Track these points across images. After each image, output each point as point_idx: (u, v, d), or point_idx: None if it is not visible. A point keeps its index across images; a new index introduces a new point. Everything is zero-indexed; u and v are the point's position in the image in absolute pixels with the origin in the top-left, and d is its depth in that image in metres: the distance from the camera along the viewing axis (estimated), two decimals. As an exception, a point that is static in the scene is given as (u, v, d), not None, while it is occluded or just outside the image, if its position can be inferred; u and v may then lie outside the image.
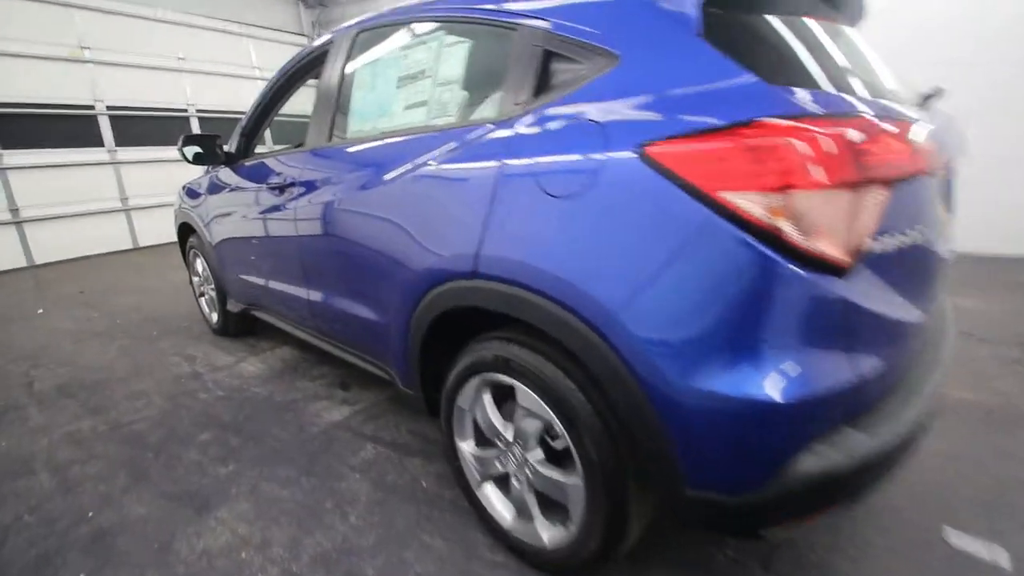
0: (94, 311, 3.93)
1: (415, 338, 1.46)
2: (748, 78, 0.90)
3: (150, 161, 6.44)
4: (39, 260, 5.67)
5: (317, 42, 2.02)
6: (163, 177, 6.49)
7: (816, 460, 0.91)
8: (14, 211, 5.43)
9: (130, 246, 6.47)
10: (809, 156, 0.82)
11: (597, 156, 0.99)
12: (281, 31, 8.15)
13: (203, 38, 6.96)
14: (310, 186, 1.83)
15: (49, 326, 3.61)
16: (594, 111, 1.03)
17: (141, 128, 6.36)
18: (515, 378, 1.20)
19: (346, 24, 1.86)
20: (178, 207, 3.19)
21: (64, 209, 5.77)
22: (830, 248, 0.85)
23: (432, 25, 1.49)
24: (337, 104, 1.82)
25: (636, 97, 0.98)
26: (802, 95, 0.91)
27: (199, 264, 3.15)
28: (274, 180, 2.06)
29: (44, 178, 5.59)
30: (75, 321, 3.70)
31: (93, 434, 2.08)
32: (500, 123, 1.20)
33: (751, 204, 0.84)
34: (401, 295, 1.47)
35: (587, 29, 1.11)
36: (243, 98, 7.54)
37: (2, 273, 5.44)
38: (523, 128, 1.15)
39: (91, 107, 5.90)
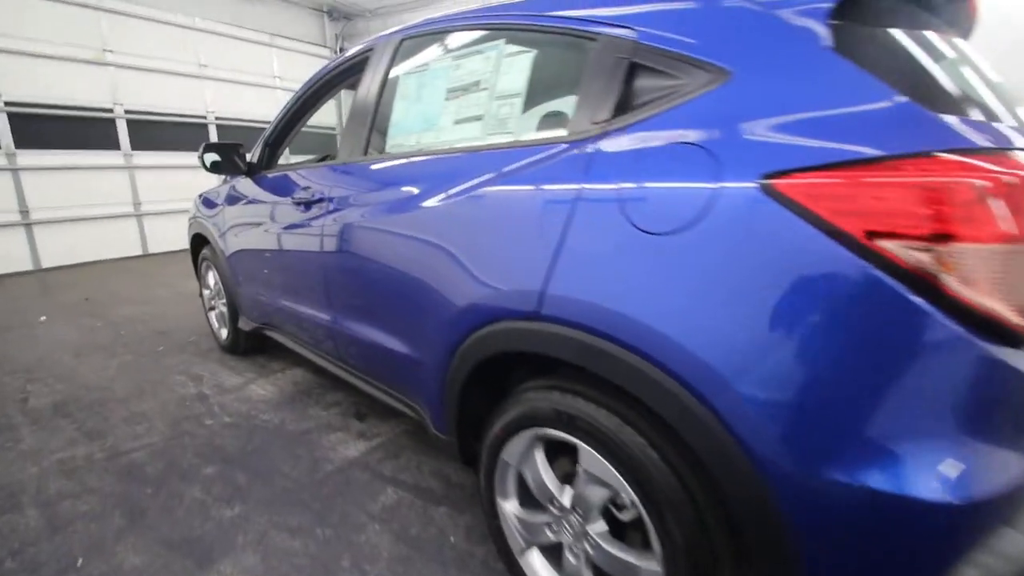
0: (98, 321, 3.78)
1: (455, 379, 1.29)
2: (900, 101, 0.75)
3: (165, 167, 6.36)
4: (46, 264, 5.56)
5: (355, 49, 1.90)
6: (177, 183, 6.41)
7: (975, 573, 0.73)
8: (24, 212, 5.33)
9: (140, 252, 6.35)
10: (996, 201, 0.66)
11: (705, 187, 0.83)
12: (305, 42, 8.14)
13: (226, 46, 6.94)
14: (341, 202, 1.68)
15: (50, 336, 3.45)
16: (699, 134, 0.87)
17: (158, 133, 6.29)
18: (580, 438, 1.03)
19: (389, 31, 1.73)
20: (193, 216, 3.05)
21: (75, 212, 5.67)
22: (1011, 312, 0.69)
23: (491, 33, 1.35)
24: (375, 116, 1.68)
25: (755, 119, 0.82)
26: (963, 124, 0.76)
27: (211, 277, 3.00)
28: (300, 194, 1.92)
29: (56, 180, 5.51)
30: (78, 331, 3.54)
31: (88, 463, 1.91)
32: (575, 143, 1.05)
33: (916, 255, 0.67)
34: (441, 330, 1.31)
35: (684, 39, 0.96)
36: (263, 107, 7.51)
37: (8, 276, 5.32)
38: (606, 150, 0.99)
39: (110, 110, 5.84)
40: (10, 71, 5.08)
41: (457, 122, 1.38)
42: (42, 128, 5.33)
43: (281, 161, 2.50)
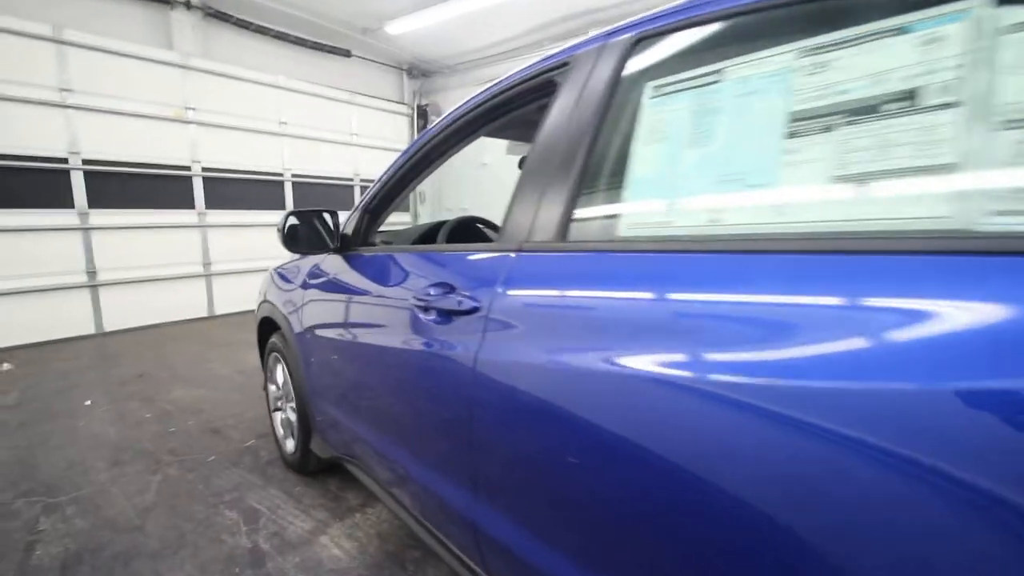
0: (147, 409, 3.21)
1: None
2: None
3: (238, 225, 6.05)
4: (108, 327, 5.21)
5: (521, 71, 1.23)
6: (248, 242, 6.08)
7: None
8: (91, 274, 5.04)
9: (205, 314, 5.97)
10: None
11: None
12: (383, 99, 7.96)
13: (306, 103, 6.75)
14: (519, 319, 0.96)
15: (90, 431, 2.88)
16: None
17: (233, 190, 6.04)
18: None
19: (603, 31, 1.04)
20: (263, 295, 2.43)
21: (143, 273, 5.36)
22: None
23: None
24: (586, 169, 0.97)
25: None
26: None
27: (280, 373, 2.34)
28: (430, 295, 1.21)
29: (127, 239, 5.23)
30: (123, 424, 2.97)
31: None
32: None
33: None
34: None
35: None
36: (339, 164, 7.24)
37: (68, 340, 4.98)
38: None
39: (187, 168, 5.61)
40: (90, 129, 4.90)
41: (846, 178, 0.63)
42: (117, 186, 5.10)
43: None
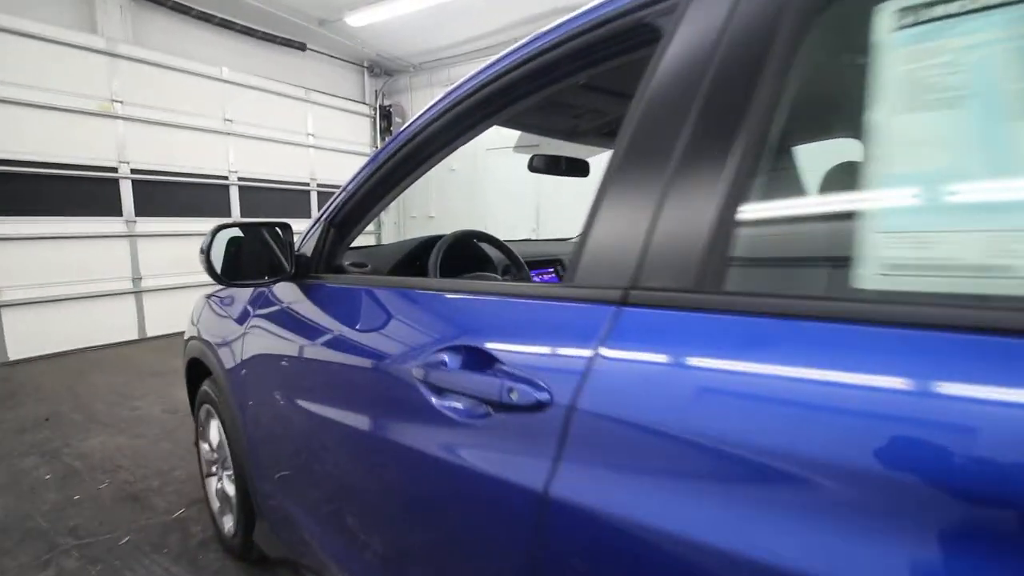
0: (49, 466, 2.57)
1: None
2: None
3: (175, 235, 5.35)
4: (13, 355, 4.42)
5: (577, 19, 0.78)
6: (186, 255, 5.36)
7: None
8: (-9, 293, 4.26)
9: (135, 336, 5.23)
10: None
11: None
12: (342, 98, 7.36)
13: (254, 99, 6.11)
14: (645, 431, 0.52)
15: (-36, 502, 2.25)
16: None
17: (169, 195, 5.33)
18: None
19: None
20: (193, 328, 1.90)
21: (58, 290, 4.59)
22: None
23: None
24: (751, 163, 0.54)
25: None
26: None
27: (214, 431, 1.81)
28: (445, 364, 0.75)
29: (38, 251, 4.46)
30: (11, 492, 2.33)
31: None
32: None
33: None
34: None
35: None
36: (293, 168, 6.60)
37: (-37, 371, 4.19)
38: None
39: (114, 169, 4.89)
40: (-3, 124, 4.17)
41: None
42: (24, 190, 4.34)
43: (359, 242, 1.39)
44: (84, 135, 4.66)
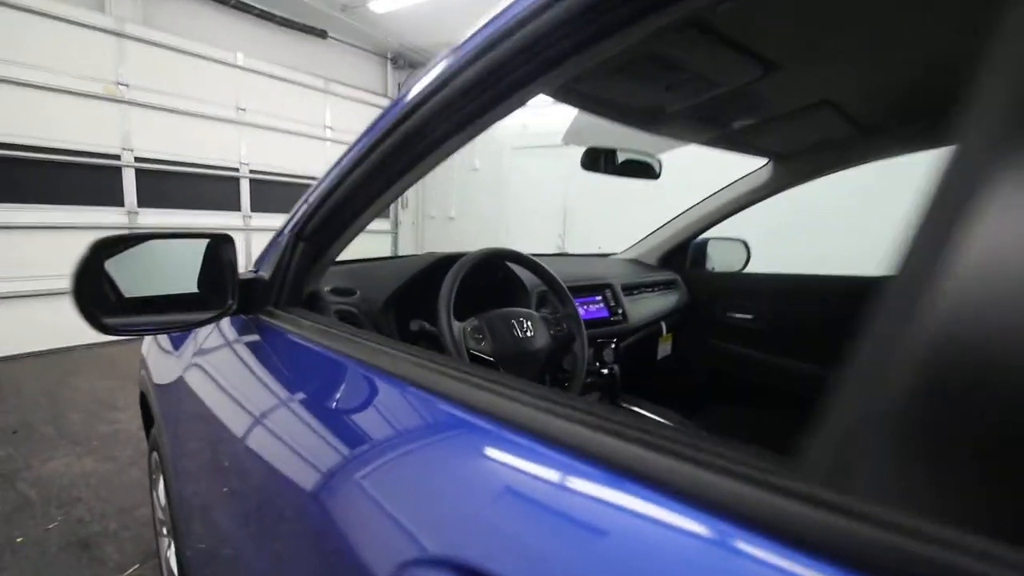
0: (2, 492, 2.23)
1: None
2: None
3: (178, 228, 5.04)
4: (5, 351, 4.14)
5: None
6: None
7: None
8: (-21, 284, 3.98)
9: (134, 334, 4.92)
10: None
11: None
12: (363, 90, 7.02)
13: (270, 88, 5.79)
14: None
15: None
16: None
17: (175, 186, 5.02)
18: None
19: None
20: (144, 350, 1.51)
21: (47, 284, 4.28)
22: None
23: None
24: None
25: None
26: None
27: (161, 486, 1.42)
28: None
29: (26, 241, 4.15)
30: (-59, 529, 1.98)
31: None
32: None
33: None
34: None
35: None
36: (308, 162, 6.26)
37: (-55, 367, 3.91)
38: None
39: (116, 156, 4.59)
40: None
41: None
42: (15, 174, 4.05)
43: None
44: (85, 119, 4.36)
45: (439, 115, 0.66)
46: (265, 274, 0.93)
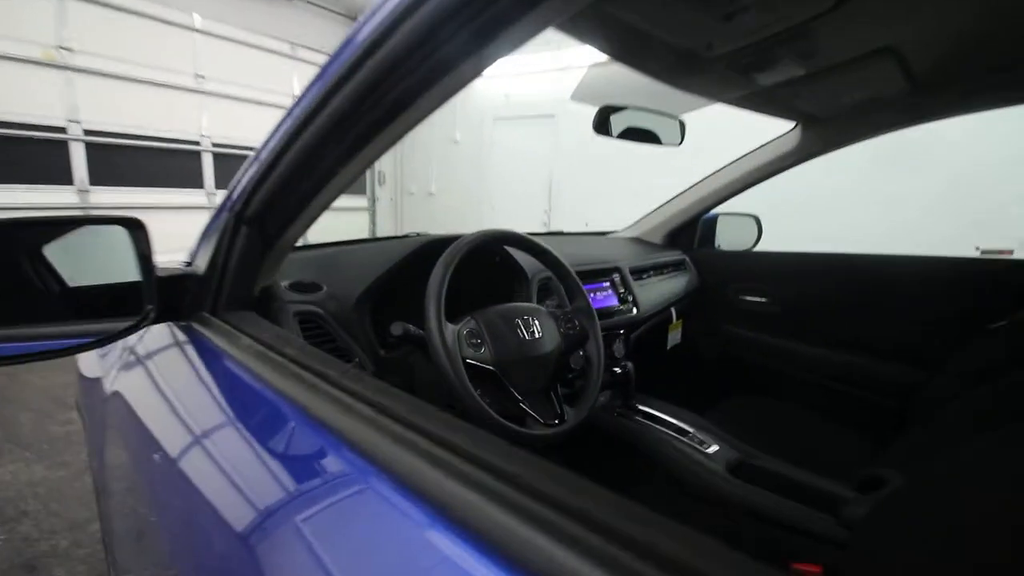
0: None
1: None
2: None
3: (134, 207, 4.65)
4: None
5: None
6: (151, 231, 4.72)
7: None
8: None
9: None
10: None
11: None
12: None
13: (232, 53, 5.38)
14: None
15: None
16: None
17: (129, 161, 4.65)
18: None
19: None
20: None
21: None
22: None
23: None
24: None
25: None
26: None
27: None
28: None
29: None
30: None
31: None
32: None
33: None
34: None
35: None
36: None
37: None
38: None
39: (62, 129, 4.20)
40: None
41: None
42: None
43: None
44: (23, 88, 3.96)
45: (410, 54, 0.45)
46: (199, 268, 0.72)
